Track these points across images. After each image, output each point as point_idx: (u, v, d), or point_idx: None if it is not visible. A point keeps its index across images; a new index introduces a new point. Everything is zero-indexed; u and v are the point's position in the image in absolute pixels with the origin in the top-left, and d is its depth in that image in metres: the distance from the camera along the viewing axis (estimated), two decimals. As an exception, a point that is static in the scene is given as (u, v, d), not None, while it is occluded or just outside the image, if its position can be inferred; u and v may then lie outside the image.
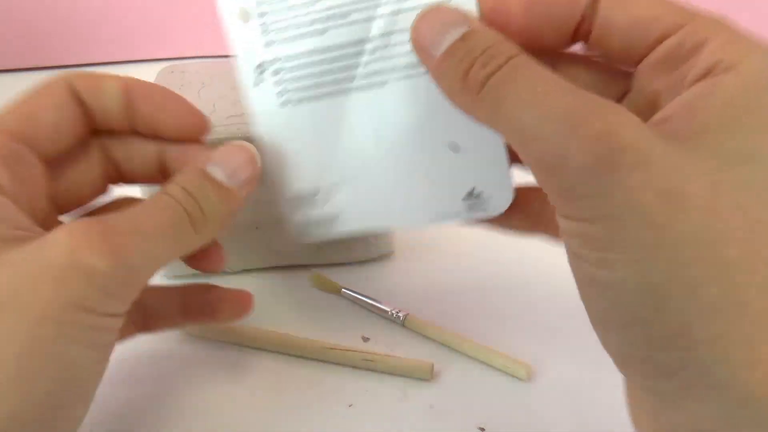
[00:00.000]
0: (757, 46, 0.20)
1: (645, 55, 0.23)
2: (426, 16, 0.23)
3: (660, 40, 0.22)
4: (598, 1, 0.23)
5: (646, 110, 0.22)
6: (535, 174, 0.21)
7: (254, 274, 0.37)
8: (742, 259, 0.17)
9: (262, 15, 0.25)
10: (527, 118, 0.20)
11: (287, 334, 0.32)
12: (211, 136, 0.31)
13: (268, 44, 0.25)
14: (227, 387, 0.28)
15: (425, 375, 0.31)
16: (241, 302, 0.29)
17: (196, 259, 0.28)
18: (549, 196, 0.20)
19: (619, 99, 0.24)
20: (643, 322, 0.18)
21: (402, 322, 0.33)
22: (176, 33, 0.54)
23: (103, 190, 0.28)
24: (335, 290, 0.35)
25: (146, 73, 0.31)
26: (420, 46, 0.23)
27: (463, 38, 0.22)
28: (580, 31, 0.24)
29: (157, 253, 0.23)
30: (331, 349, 0.32)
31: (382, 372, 0.31)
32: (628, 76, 0.24)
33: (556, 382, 0.31)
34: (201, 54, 0.54)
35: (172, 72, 0.36)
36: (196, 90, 0.34)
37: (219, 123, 0.32)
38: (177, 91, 0.27)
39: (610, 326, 0.20)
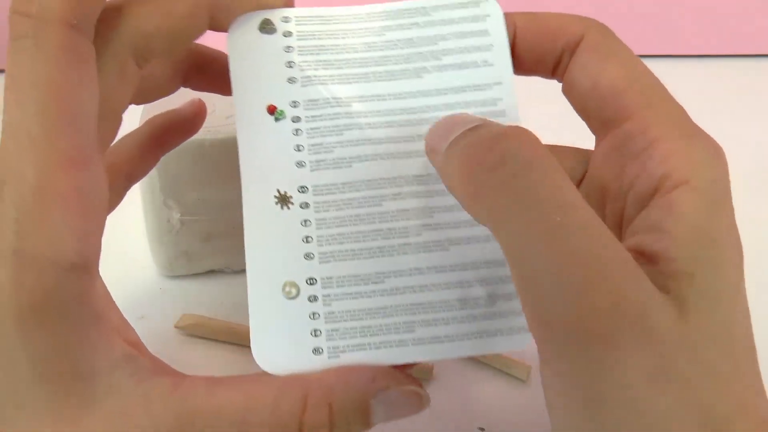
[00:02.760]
0: (704, 154, 0.21)
1: (595, 117, 0.23)
2: (440, 121, 0.22)
3: (611, 118, 0.22)
4: (575, 51, 0.23)
5: (598, 195, 0.23)
6: (526, 311, 0.19)
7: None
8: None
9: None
10: (535, 254, 0.18)
11: (287, 334, 0.32)
12: (211, 136, 0.32)
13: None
14: (227, 387, 0.28)
15: (426, 375, 0.31)
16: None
17: None
18: (535, 337, 0.19)
19: (579, 182, 0.25)
20: None
21: (402, 323, 0.33)
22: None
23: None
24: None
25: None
26: (430, 147, 0.22)
27: (473, 128, 0.20)
28: (558, 71, 0.24)
29: None
30: (331, 349, 0.31)
31: (382, 372, 0.31)
32: (586, 159, 0.24)
33: (556, 383, 0.31)
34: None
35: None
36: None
37: (219, 123, 0.32)
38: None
39: None
